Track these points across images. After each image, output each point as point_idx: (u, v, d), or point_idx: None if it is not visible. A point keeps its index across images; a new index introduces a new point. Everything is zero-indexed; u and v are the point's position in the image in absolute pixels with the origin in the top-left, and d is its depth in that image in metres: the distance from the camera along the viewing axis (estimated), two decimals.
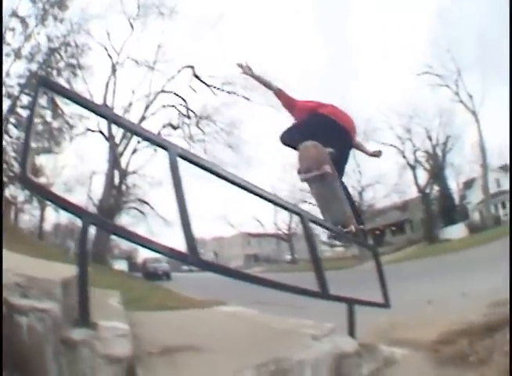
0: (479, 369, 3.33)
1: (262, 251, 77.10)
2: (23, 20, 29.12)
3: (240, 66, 5.47)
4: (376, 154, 5.87)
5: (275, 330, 3.95)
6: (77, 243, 48.42)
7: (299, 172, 4.39)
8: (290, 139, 4.96)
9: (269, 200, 3.76)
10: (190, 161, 3.23)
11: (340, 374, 3.10)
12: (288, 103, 5.35)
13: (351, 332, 3.85)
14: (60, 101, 28.68)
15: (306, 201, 45.78)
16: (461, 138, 48.33)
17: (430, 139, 48.64)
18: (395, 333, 5.04)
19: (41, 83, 3.13)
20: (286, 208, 3.98)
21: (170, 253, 2.82)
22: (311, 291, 3.63)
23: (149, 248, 2.73)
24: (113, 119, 3.52)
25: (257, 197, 3.60)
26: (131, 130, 3.74)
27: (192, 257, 2.77)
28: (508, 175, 51.38)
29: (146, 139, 3.51)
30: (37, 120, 28.49)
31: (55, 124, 32.75)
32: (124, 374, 2.22)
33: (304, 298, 3.98)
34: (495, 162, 52.39)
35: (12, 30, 28.47)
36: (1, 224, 2.68)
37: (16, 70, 30.01)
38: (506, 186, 48.79)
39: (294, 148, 4.64)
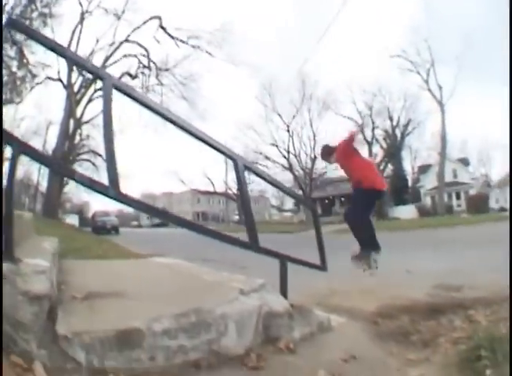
0: (423, 351, 3.21)
1: (211, 209, 77.55)
2: None
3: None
4: None
5: (205, 282, 3.88)
6: (31, 198, 47.73)
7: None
8: (354, 220, 5.80)
9: (201, 139, 3.52)
10: (125, 93, 3.11)
11: (269, 335, 2.98)
12: (349, 154, 5.80)
13: (283, 291, 3.72)
14: (27, 50, 28.70)
15: (259, 163, 46.05)
16: (423, 124, 48.58)
17: (391, 119, 48.67)
18: (334, 300, 4.97)
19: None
20: (220, 151, 3.73)
21: (90, 184, 2.71)
22: (242, 241, 3.58)
23: (69, 177, 2.57)
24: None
25: (187, 133, 3.45)
26: (65, 54, 3.41)
27: (112, 190, 2.68)
28: (467, 168, 53.07)
29: (82, 67, 3.31)
30: (4, 71, 27.85)
31: (19, 73, 31.93)
32: (43, 314, 2.21)
33: (247, 258, 3.84)
34: (455, 154, 53.73)
35: None
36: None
37: None
38: (463, 178, 50.30)
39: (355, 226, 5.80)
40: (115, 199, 2.71)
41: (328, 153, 6.06)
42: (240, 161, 3.74)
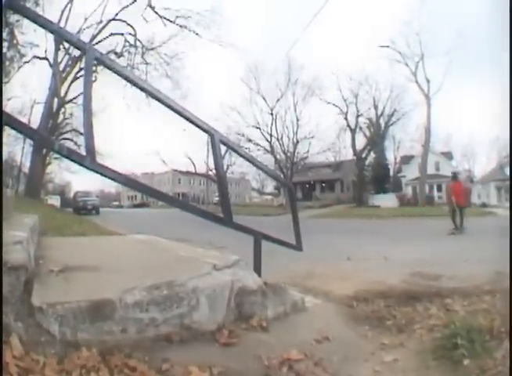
0: (398, 336, 3.20)
1: (192, 190, 76.53)
2: None
3: None
4: None
5: (180, 257, 3.89)
6: (14, 179, 47.42)
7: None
8: None
9: (179, 113, 3.50)
10: (105, 65, 3.14)
11: (242, 312, 2.99)
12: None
13: (257, 268, 3.74)
14: (17, 31, 29.06)
15: (240, 146, 46.07)
16: (408, 115, 49.08)
17: (376, 108, 49.20)
18: (312, 282, 4.99)
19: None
20: (197, 125, 3.68)
21: (67, 153, 2.70)
22: (216, 215, 3.63)
23: (49, 147, 2.55)
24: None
25: (166, 107, 3.42)
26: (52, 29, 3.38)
27: (88, 159, 2.68)
28: (451, 162, 53.47)
29: (66, 40, 3.28)
30: None
31: (9, 54, 31.62)
32: (20, 285, 2.21)
33: (224, 239, 3.82)
34: (438, 148, 54.15)
35: None
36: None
37: None
38: (446, 172, 50.72)
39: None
40: (91, 168, 2.70)
41: None
42: (217, 136, 3.73)
